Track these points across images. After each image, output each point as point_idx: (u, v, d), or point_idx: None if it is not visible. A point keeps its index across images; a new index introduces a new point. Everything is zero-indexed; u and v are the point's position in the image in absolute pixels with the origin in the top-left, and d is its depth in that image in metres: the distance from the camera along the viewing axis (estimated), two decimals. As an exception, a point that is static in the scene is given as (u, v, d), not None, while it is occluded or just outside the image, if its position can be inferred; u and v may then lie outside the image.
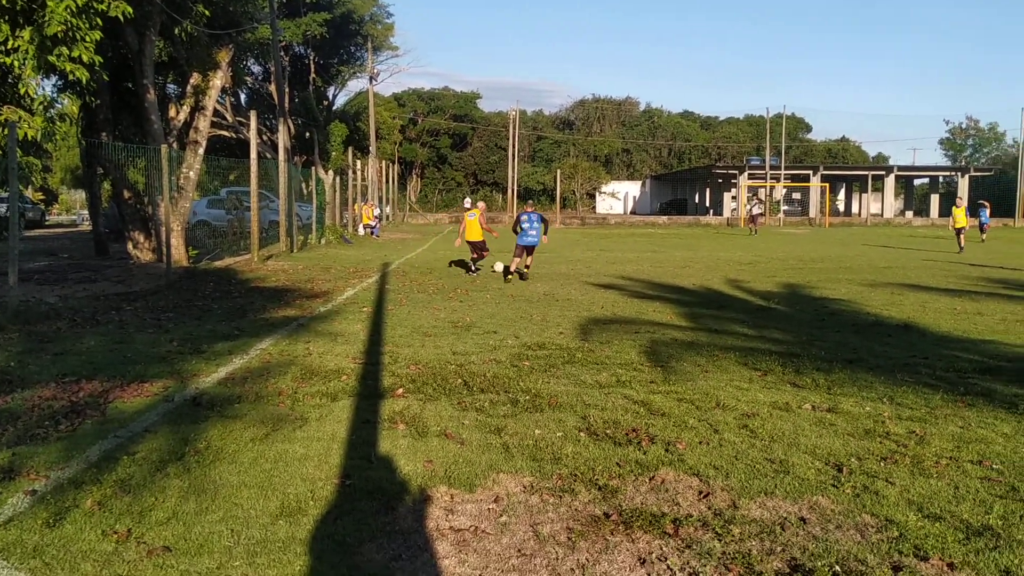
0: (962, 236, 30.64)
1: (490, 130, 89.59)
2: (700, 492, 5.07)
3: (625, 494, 5.05)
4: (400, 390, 7.53)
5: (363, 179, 47.46)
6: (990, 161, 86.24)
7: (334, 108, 62.90)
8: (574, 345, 9.98)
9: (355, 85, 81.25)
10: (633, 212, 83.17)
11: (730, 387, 7.78)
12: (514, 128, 68.50)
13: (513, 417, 6.69)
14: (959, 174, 71.51)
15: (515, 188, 69.13)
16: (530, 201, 21.22)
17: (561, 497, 5.00)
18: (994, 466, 5.58)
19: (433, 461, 5.61)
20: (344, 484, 5.17)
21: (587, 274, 19.69)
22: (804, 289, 16.78)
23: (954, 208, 31.84)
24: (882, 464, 5.60)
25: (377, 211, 40.68)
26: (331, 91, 61.91)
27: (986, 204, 40.88)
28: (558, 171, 67.14)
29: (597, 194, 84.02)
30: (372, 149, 55.87)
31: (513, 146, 68.61)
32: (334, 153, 54.19)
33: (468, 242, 19.78)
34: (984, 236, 39.33)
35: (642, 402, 7.16)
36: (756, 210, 46.12)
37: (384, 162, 61.19)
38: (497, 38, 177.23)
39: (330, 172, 37.51)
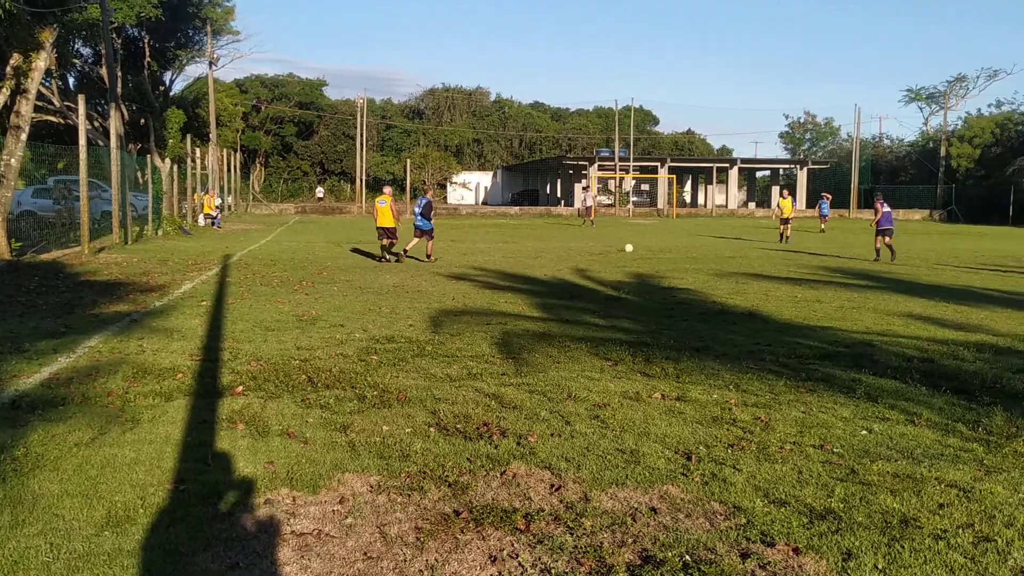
0: (788, 226, 32.00)
1: (337, 118, 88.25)
2: (552, 485, 5.05)
3: (476, 490, 4.97)
4: (240, 388, 7.24)
5: (203, 168, 45.91)
6: (826, 154, 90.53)
7: (171, 94, 60.60)
8: (424, 338, 9.86)
9: (194, 70, 78.90)
10: (485, 202, 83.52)
11: (582, 377, 7.82)
12: (362, 116, 67.67)
13: (360, 413, 6.52)
14: (798, 167, 74.92)
15: (364, 177, 68.34)
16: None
17: (409, 496, 4.88)
18: (835, 450, 5.78)
19: (274, 462, 5.39)
20: (178, 489, 4.90)
21: (438, 265, 19.59)
22: (653, 279, 17.16)
23: (780, 199, 33.33)
24: (729, 451, 5.72)
25: (218, 201, 39.43)
26: (168, 76, 59.67)
27: (827, 196, 42.93)
28: (408, 161, 66.68)
29: (448, 184, 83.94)
30: (212, 137, 54.08)
31: (361, 135, 67.80)
32: (171, 141, 52.20)
33: (379, 228, 20.29)
34: (824, 227, 41.28)
35: (494, 395, 7.11)
36: (589, 201, 46.76)
37: (226, 150, 59.38)
38: (344, 24, 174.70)
39: (167, 160, 36.15)
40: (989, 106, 75.84)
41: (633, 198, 70.33)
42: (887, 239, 23.76)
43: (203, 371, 7.93)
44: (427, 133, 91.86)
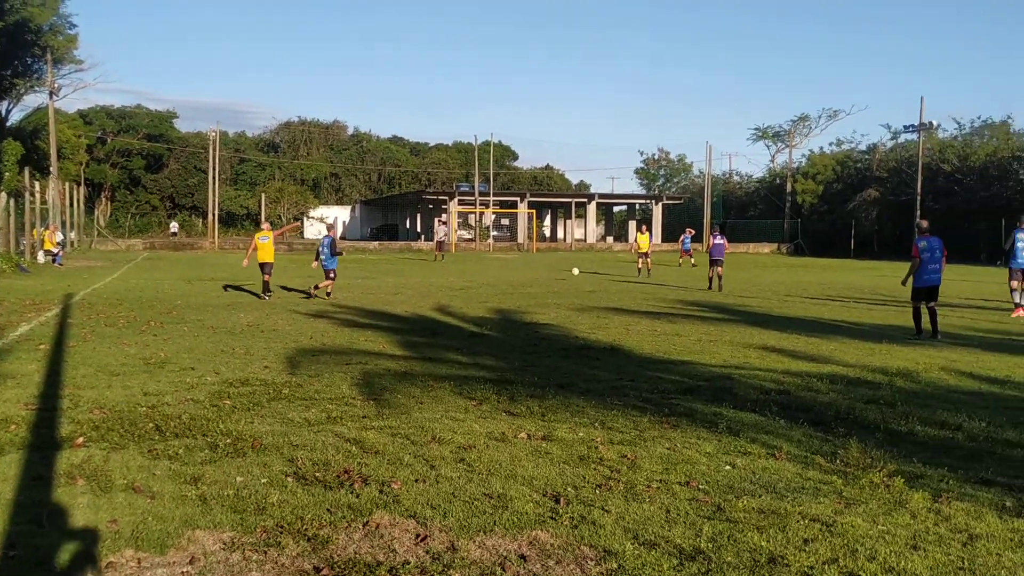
0: (646, 260, 32.73)
1: (188, 151, 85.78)
2: (417, 535, 4.88)
3: (337, 543, 4.76)
4: (81, 439, 6.79)
5: (43, 202, 43.79)
6: (680, 190, 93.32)
7: (8, 124, 57.74)
8: (281, 380, 9.54)
9: (33, 100, 74.96)
10: (343, 237, 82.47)
11: (446, 418, 7.69)
12: (215, 149, 65.95)
13: (212, 464, 6.20)
14: (653, 202, 76.99)
15: (216, 212, 66.53)
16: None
17: (266, 552, 4.63)
18: (700, 486, 5.82)
19: (118, 520, 5.04)
20: (7, 556, 4.51)
21: (295, 302, 19.13)
22: (515, 314, 17.19)
23: (639, 234, 34.15)
24: (598, 491, 5.68)
25: (60, 237, 37.60)
26: (4, 105, 56.86)
27: (690, 231, 44.15)
28: (263, 195, 65.39)
29: (305, 219, 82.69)
30: (53, 169, 51.66)
31: (214, 168, 66.03)
32: (8, 174, 49.68)
33: (261, 263, 20.44)
34: (682, 261, 42.31)
35: (354, 440, 6.89)
36: (441, 235, 46.69)
37: (68, 183, 56.80)
38: (195, 55, 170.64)
39: (3, 194, 34.26)
40: (830, 144, 79.60)
41: (494, 232, 70.78)
42: (718, 269, 25.32)
43: (39, 421, 7.42)
44: (283, 167, 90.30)
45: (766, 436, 7.19)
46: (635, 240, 35.01)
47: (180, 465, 6.15)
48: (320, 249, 20.99)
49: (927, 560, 4.60)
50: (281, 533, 4.88)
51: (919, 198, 59.60)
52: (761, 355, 11.96)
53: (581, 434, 7.19)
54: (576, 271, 30.42)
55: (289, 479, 5.85)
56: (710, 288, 25.20)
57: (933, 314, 14.42)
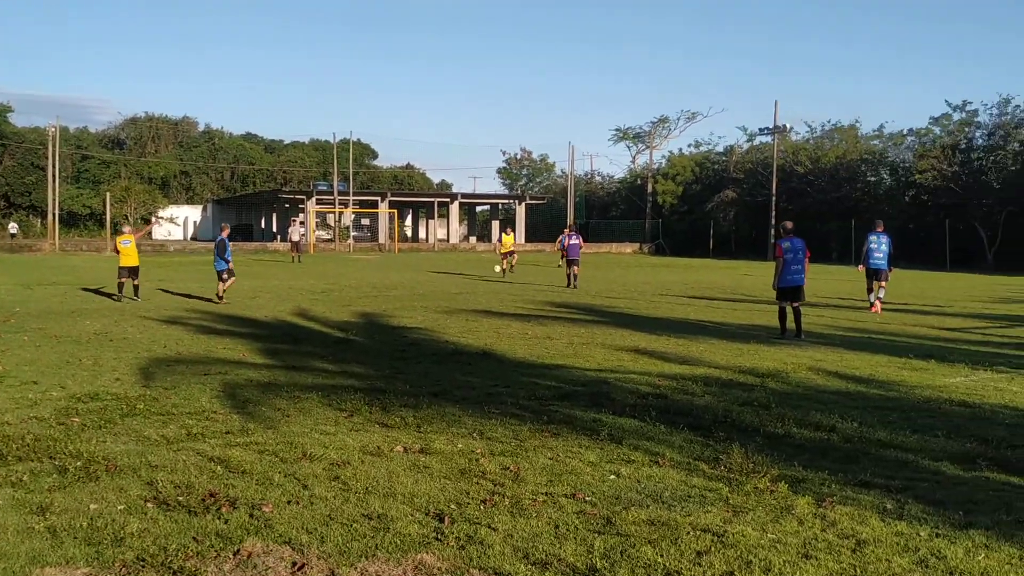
0: (510, 259, 32.93)
1: (24, 147, 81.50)
2: (294, 564, 4.59)
3: (205, 576, 4.43)
4: (-93, 466, 6.20)
5: None
6: (543, 190, 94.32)
7: None
8: (135, 393, 9.01)
9: None
10: (195, 238, 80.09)
11: (316, 432, 7.38)
12: (54, 146, 62.78)
13: (62, 490, 5.73)
14: (516, 202, 77.49)
15: (57, 212, 63.39)
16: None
17: (126, 589, 4.27)
18: (587, 498, 5.72)
19: (-48, 559, 4.57)
20: None
21: (145, 308, 18.29)
22: (382, 318, 16.89)
23: (503, 234, 34.44)
24: (482, 508, 5.50)
25: None
26: None
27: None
28: (108, 194, 62.65)
29: (154, 219, 79.84)
30: None
31: (54, 166, 62.90)
32: None
33: (122, 268, 20.21)
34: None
35: (218, 458, 6.51)
36: (296, 236, 45.78)
37: None
38: (32, 45, 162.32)
39: None
40: (689, 146, 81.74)
41: (354, 233, 69.89)
42: (575, 268, 26.87)
43: None
44: (129, 165, 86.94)
45: (648, 442, 7.17)
46: (498, 240, 35.27)
47: (24, 493, 5.66)
48: (216, 251, 20.58)
49: (820, 569, 4.60)
50: (143, 567, 4.52)
51: (774, 199, 62.04)
52: (634, 358, 12.04)
53: (460, 445, 7.01)
54: (498, 268, 31.91)
55: (149, 505, 5.46)
56: (568, 286, 26.38)
57: (797, 314, 14.84)
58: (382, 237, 69.74)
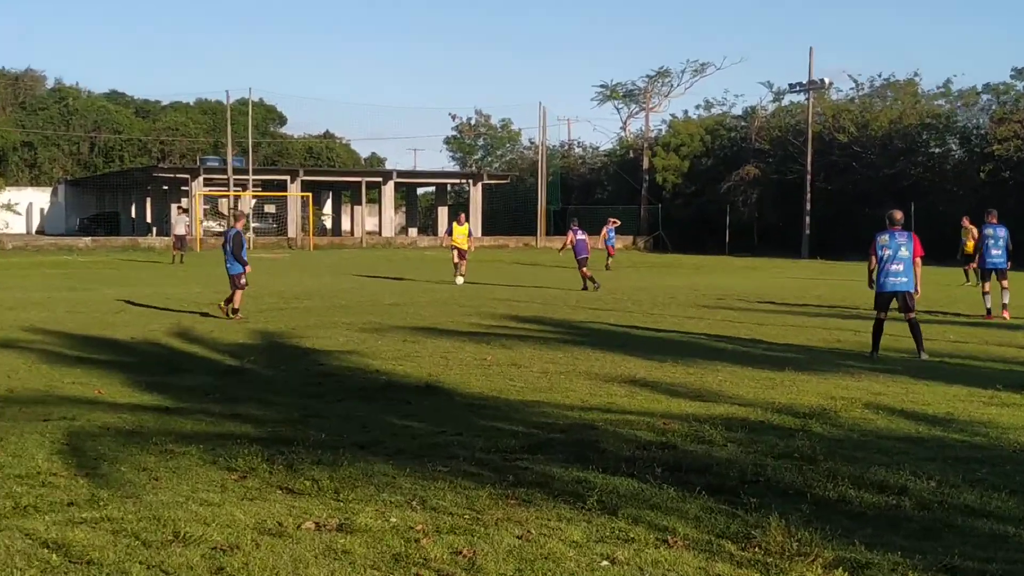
0: (463, 260, 32.75)
1: None
2: None
3: None
4: None
5: None
6: (505, 166, 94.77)
7: None
8: (-60, 449, 8.69)
9: None
10: (41, 231, 79.66)
11: (194, 503, 7.09)
12: None
13: None
14: (471, 181, 77.60)
15: None
16: None
17: None
18: (571, 595, 5.46)
19: None
20: None
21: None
22: (289, 339, 16.81)
23: (455, 225, 34.21)
24: (424, 611, 5.22)
25: None
26: None
27: (613, 222, 44.67)
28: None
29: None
30: None
31: None
32: None
33: None
34: (609, 262, 42.27)
35: (56, 543, 6.20)
36: (181, 229, 45.53)
37: None
38: None
39: None
40: (697, 108, 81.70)
41: (255, 224, 69.48)
42: (584, 268, 29.68)
43: None
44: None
45: (652, 512, 6.95)
46: (447, 232, 35.17)
47: None
48: (228, 248, 20.94)
49: None
50: None
51: (809, 176, 62.44)
52: (630, 392, 11.88)
53: (394, 519, 6.75)
54: (460, 280, 32.11)
55: (-51, 615, 5.13)
56: (595, 286, 29.70)
57: (912, 328, 15.49)
58: (292, 229, 69.50)
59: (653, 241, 72.20)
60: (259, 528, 6.56)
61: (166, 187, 73.40)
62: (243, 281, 20.45)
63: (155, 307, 22.43)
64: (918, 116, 63.85)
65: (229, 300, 20.46)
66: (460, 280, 31.93)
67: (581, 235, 31.26)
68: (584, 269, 30.12)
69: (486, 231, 72.18)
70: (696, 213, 71.99)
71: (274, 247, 63.41)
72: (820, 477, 7.94)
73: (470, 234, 34.56)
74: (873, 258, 15.49)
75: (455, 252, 32.73)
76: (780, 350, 16.01)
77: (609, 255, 43.00)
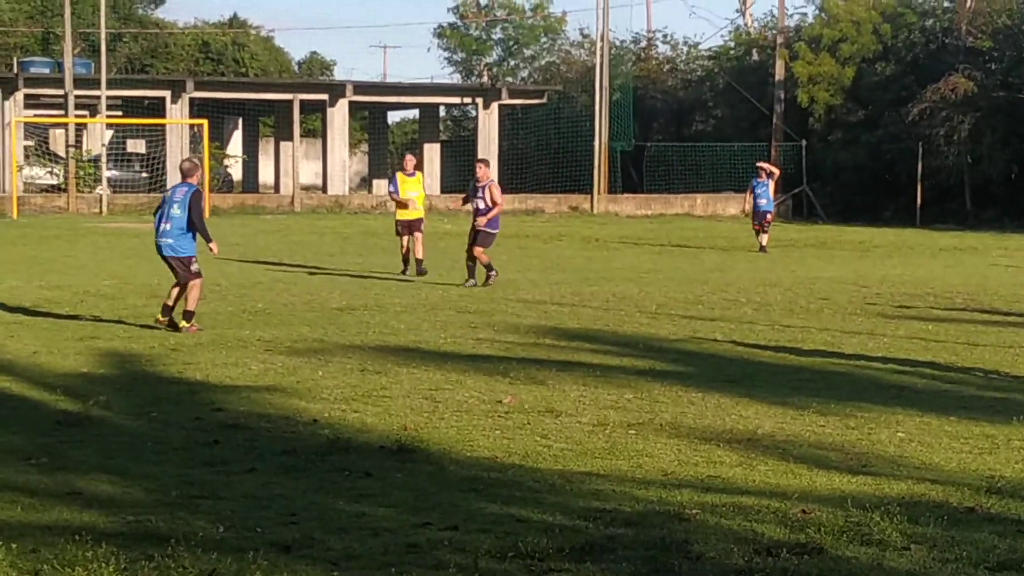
0: (414, 235, 32.45)
1: None
2: None
3: None
4: None
5: None
6: (539, 75, 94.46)
7: None
8: None
9: None
10: None
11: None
12: None
13: None
14: (480, 101, 77.39)
15: None
16: None
17: None
18: None
19: None
20: None
21: None
22: (166, 366, 17.05)
23: (401, 175, 33.07)
24: None
25: None
26: None
27: (766, 168, 44.41)
28: None
29: None
30: None
31: None
32: None
33: None
34: (765, 239, 42.28)
35: None
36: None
37: None
38: None
39: None
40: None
41: (110, 171, 69.61)
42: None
43: None
44: None
45: None
46: (393, 188, 33.04)
47: None
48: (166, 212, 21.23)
49: None
50: None
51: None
52: (746, 458, 11.90)
53: None
54: (471, 283, 29.63)
55: None
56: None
57: None
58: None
59: (793, 203, 72.01)
60: None
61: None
62: (196, 267, 20.82)
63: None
64: None
65: (175, 301, 20.75)
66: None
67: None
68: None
69: (506, 185, 71.87)
70: (866, 157, 71.41)
71: (142, 211, 63.42)
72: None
73: (425, 193, 33.56)
74: None
75: (402, 227, 32.35)
76: (1007, 388, 15.94)
77: (763, 225, 41.12)
